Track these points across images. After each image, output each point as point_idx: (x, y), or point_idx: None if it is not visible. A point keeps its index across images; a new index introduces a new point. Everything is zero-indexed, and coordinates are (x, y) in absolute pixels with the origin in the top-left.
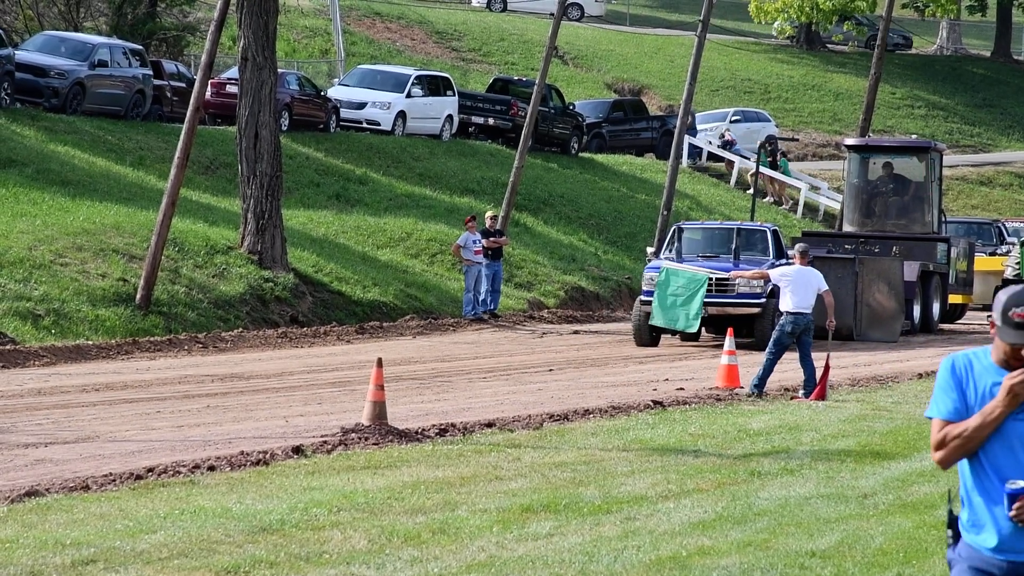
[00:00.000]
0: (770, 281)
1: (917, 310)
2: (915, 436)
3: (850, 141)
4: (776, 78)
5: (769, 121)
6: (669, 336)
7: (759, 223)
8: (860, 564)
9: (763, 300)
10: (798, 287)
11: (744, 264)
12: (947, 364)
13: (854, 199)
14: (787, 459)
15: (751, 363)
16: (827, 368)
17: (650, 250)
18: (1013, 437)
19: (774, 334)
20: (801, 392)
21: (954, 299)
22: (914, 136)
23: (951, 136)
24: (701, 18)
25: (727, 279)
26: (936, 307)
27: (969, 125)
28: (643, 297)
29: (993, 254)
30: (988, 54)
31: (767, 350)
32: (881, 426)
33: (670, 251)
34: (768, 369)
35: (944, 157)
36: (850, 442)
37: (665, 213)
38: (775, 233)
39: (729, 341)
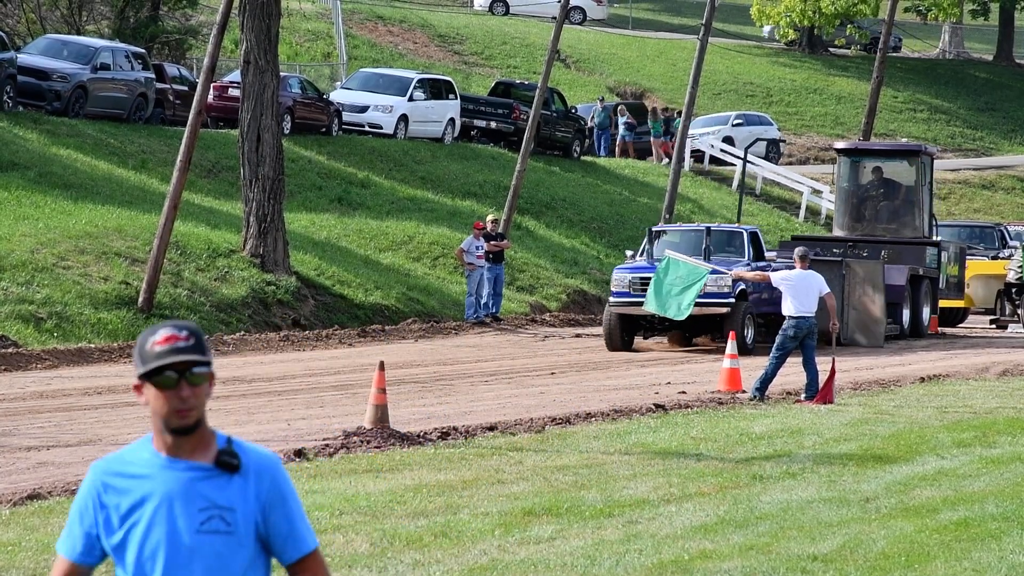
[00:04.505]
0: (772, 284)
1: (907, 314)
2: (917, 440)
3: (840, 145)
4: (778, 82)
5: (771, 124)
6: (668, 338)
7: (736, 225)
8: (862, 568)
9: (732, 300)
10: (799, 291)
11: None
12: (83, 484)
13: (845, 203)
14: (789, 463)
15: (753, 367)
16: (832, 371)
17: (629, 253)
18: (191, 557)
19: (778, 339)
20: (803, 395)
21: (945, 303)
22: (905, 140)
23: (953, 140)
24: (703, 21)
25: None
26: (927, 311)
27: (971, 129)
28: (613, 299)
29: (995, 258)
30: (990, 58)
31: (771, 354)
32: (883, 430)
33: (644, 254)
34: (771, 373)
35: (936, 161)
36: (852, 446)
37: (667, 216)
38: (754, 234)
39: (731, 345)
